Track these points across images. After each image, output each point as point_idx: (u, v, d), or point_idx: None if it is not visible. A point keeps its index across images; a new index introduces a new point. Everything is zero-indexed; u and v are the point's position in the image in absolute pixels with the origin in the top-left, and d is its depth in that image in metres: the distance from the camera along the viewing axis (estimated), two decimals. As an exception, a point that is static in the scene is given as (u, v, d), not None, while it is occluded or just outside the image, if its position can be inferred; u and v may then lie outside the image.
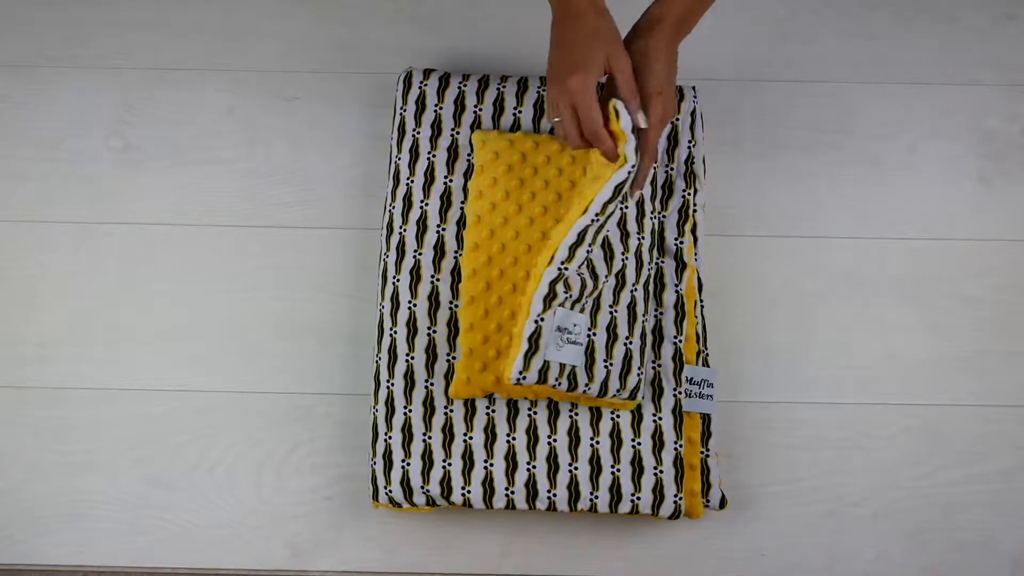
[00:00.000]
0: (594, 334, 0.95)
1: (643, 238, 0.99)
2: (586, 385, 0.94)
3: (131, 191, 1.09)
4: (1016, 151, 1.11)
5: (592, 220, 0.93)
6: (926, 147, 1.11)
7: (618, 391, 0.95)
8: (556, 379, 0.93)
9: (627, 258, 0.98)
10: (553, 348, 0.93)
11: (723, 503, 0.99)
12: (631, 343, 0.96)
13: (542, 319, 0.93)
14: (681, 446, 0.98)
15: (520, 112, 1.04)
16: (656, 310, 1.00)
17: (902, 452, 1.04)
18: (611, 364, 0.95)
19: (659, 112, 0.88)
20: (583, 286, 0.95)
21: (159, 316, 1.06)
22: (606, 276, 0.97)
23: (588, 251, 0.94)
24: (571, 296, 0.94)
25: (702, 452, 0.99)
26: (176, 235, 1.08)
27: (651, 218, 1.00)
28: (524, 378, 0.92)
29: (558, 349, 0.93)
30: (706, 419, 0.99)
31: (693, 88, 1.06)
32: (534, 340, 0.93)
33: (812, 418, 1.04)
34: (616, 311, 0.97)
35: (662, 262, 1.02)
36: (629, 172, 0.89)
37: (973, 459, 1.04)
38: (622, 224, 0.99)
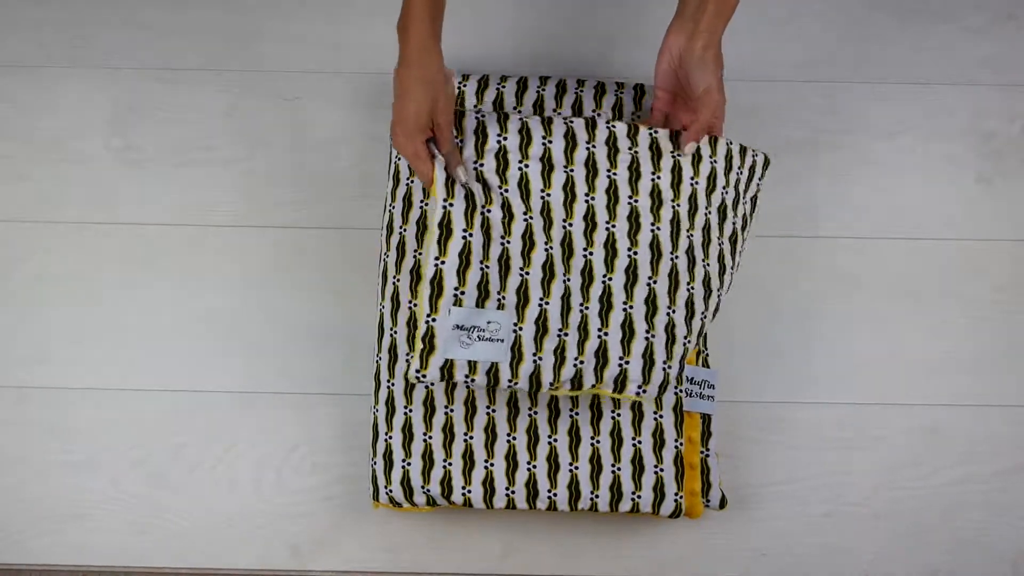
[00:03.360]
0: (533, 329, 0.93)
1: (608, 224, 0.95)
2: (542, 379, 0.92)
3: (131, 191, 1.09)
4: (1016, 151, 1.11)
5: (443, 207, 0.93)
6: (926, 147, 1.11)
7: (595, 385, 0.93)
8: (467, 376, 0.92)
9: (551, 247, 0.94)
10: (456, 346, 0.93)
11: (723, 503, 0.99)
12: (605, 334, 0.92)
13: (433, 319, 0.92)
14: (681, 444, 0.98)
15: (519, 112, 1.04)
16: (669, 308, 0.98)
17: (902, 452, 1.04)
18: (582, 362, 0.92)
19: (707, 113, 0.93)
20: (484, 280, 0.93)
21: (159, 316, 1.06)
22: (523, 269, 0.94)
23: (467, 235, 0.93)
24: (465, 292, 0.92)
25: (702, 452, 0.99)
26: (176, 235, 1.08)
27: (584, 200, 0.96)
28: (423, 376, 0.92)
29: (464, 347, 0.92)
30: (706, 419, 0.99)
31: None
32: (427, 340, 0.92)
33: (812, 418, 1.04)
34: (587, 308, 0.94)
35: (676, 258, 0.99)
36: (443, 207, 0.94)
37: (973, 459, 1.04)
38: (545, 213, 0.96)
